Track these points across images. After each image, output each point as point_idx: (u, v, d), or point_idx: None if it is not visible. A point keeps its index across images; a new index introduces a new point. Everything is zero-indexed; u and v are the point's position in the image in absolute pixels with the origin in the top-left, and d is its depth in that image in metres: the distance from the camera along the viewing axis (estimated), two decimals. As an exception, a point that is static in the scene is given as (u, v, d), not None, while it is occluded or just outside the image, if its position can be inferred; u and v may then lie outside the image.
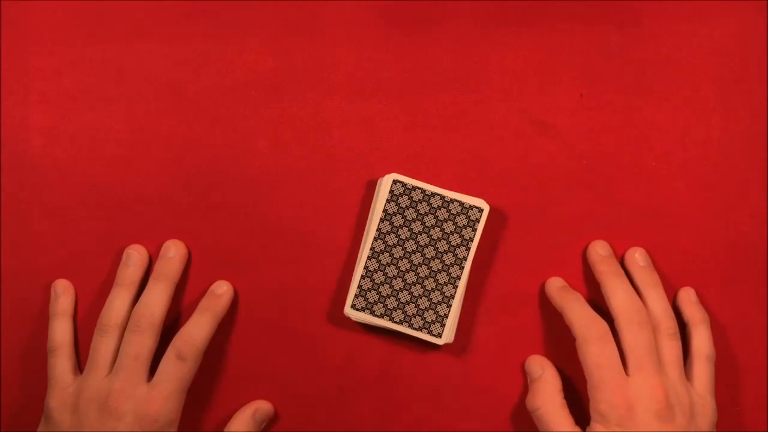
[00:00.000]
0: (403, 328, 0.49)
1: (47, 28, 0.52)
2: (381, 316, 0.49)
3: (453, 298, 0.49)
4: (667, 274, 0.51)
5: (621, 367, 0.47)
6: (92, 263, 0.52)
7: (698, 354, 0.49)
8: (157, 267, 0.51)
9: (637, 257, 0.51)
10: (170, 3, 0.52)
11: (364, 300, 0.49)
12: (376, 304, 0.49)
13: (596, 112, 0.51)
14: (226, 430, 0.51)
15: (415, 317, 0.49)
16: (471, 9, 0.52)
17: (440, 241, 0.49)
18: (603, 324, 0.48)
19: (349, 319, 0.50)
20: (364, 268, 0.49)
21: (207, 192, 0.52)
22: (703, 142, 0.51)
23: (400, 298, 0.49)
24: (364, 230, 0.51)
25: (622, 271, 0.50)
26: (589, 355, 0.47)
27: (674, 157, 0.51)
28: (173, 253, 0.51)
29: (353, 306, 0.49)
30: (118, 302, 0.50)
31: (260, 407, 0.51)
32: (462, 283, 0.49)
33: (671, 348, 0.48)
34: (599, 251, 0.51)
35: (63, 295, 0.51)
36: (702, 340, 0.49)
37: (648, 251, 0.51)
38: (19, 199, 0.52)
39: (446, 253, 0.49)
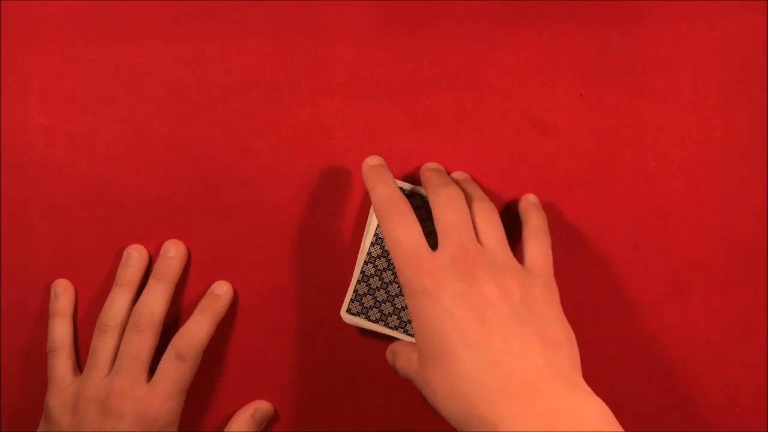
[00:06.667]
0: (398, 334, 0.49)
1: (47, 28, 0.52)
2: (376, 321, 0.49)
3: None
4: (667, 274, 0.51)
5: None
6: (92, 263, 0.52)
7: (533, 230, 0.47)
8: (157, 267, 0.51)
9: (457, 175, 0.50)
10: (170, 3, 0.52)
11: (360, 305, 0.49)
12: (372, 309, 0.49)
13: (596, 112, 0.51)
14: (226, 430, 0.51)
15: (410, 323, 0.49)
16: (471, 9, 0.52)
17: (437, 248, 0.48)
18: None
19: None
20: (361, 273, 0.49)
21: (207, 192, 0.52)
22: (703, 142, 0.51)
23: (395, 304, 0.49)
24: (363, 231, 0.51)
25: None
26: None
27: (674, 157, 0.51)
28: (173, 252, 0.51)
29: (348, 310, 0.49)
30: (118, 302, 0.50)
31: (260, 407, 0.51)
32: None
33: (484, 215, 0.45)
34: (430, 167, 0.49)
35: (63, 295, 0.51)
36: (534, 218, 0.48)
37: (648, 251, 0.51)
38: (19, 199, 0.52)
39: None
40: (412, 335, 0.48)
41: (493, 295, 0.42)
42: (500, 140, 0.52)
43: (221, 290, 0.51)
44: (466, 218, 0.45)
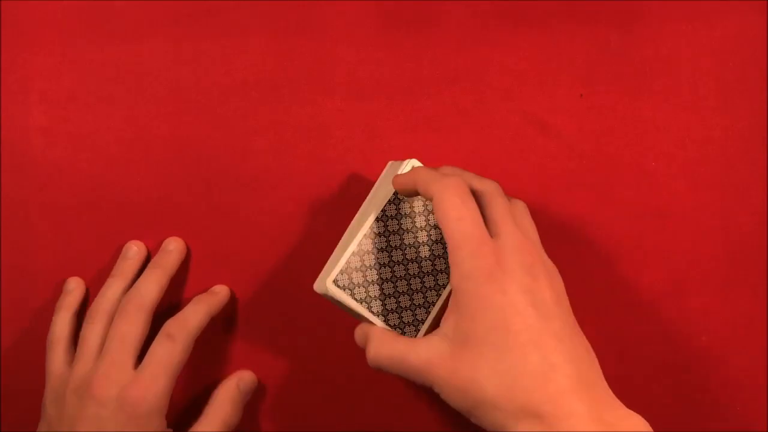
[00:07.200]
0: (378, 321, 0.45)
1: (47, 28, 0.52)
2: (360, 301, 0.45)
3: (434, 305, 0.46)
4: (668, 274, 0.51)
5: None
6: (92, 263, 0.52)
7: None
8: (155, 258, 0.51)
9: None
10: (170, 3, 0.52)
11: (348, 278, 0.45)
12: (358, 288, 0.45)
13: (596, 112, 0.51)
14: (211, 398, 0.50)
15: (392, 313, 0.45)
16: (471, 9, 0.52)
17: (437, 243, 0.47)
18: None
19: (349, 318, 0.49)
20: (358, 245, 0.45)
21: (207, 192, 0.52)
22: (703, 142, 0.51)
23: (383, 289, 0.46)
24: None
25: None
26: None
27: (674, 157, 0.51)
28: (172, 247, 0.51)
29: (335, 281, 0.45)
30: (109, 291, 0.49)
31: (243, 377, 0.50)
32: (447, 292, 0.46)
33: (523, 211, 0.44)
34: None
35: (72, 292, 0.51)
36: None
37: (648, 251, 0.51)
38: (19, 199, 0.52)
39: (439, 258, 0.46)
40: (391, 326, 0.45)
41: (550, 296, 0.41)
42: (500, 140, 0.52)
43: (219, 288, 0.51)
44: (511, 212, 0.43)
